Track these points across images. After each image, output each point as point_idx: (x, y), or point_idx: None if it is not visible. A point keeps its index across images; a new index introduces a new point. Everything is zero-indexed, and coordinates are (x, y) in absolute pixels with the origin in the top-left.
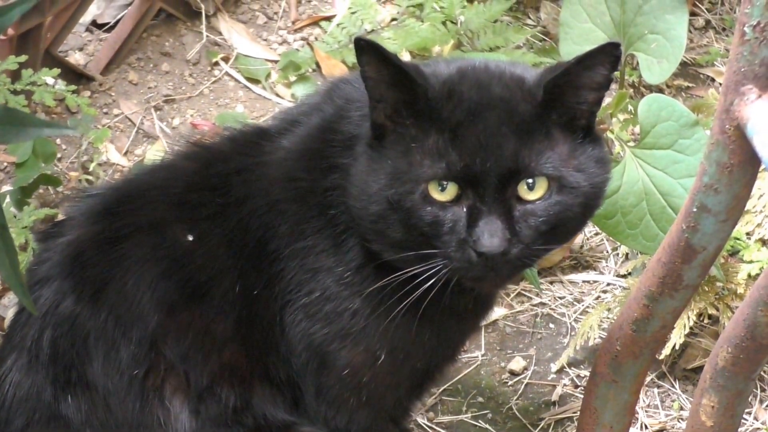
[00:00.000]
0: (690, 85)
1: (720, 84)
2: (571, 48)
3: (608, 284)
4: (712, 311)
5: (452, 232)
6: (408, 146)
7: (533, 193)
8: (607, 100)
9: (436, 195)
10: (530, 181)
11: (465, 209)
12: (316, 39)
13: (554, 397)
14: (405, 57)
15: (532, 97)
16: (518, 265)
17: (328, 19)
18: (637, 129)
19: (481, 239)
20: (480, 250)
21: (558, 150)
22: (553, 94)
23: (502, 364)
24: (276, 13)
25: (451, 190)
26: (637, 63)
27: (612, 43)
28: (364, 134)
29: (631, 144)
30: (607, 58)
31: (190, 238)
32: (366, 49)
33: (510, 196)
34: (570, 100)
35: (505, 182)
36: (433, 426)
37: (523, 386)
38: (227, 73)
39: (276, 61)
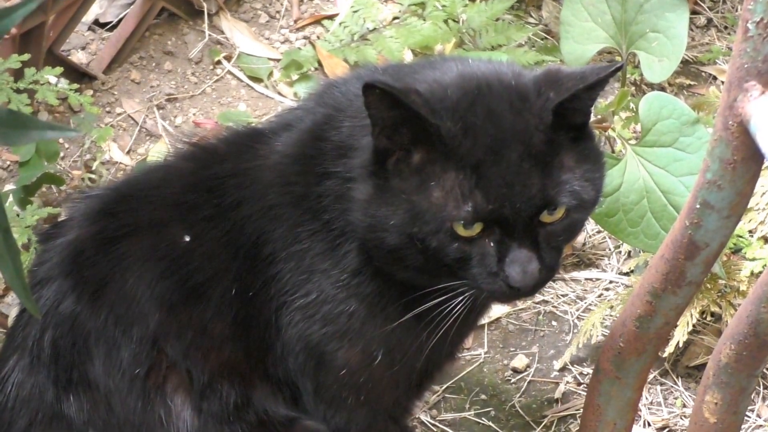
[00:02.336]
0: (692, 83)
1: (722, 82)
2: (573, 47)
3: (611, 282)
4: (714, 309)
5: (481, 265)
6: (424, 182)
7: (554, 215)
8: (609, 98)
9: (462, 232)
10: (553, 208)
11: (493, 243)
12: (318, 38)
13: (557, 395)
14: (407, 55)
15: (543, 124)
16: (543, 285)
17: (331, 17)
18: (638, 127)
19: (514, 275)
20: (515, 286)
21: (568, 164)
22: (560, 115)
23: (505, 362)
24: (278, 11)
25: (477, 228)
26: (639, 61)
27: (620, 66)
28: (359, 152)
29: (633, 142)
30: (613, 76)
31: (187, 238)
32: (377, 93)
33: (535, 225)
34: (575, 117)
35: (533, 217)
36: (437, 423)
37: (525, 384)
38: (229, 72)
39: (278, 60)
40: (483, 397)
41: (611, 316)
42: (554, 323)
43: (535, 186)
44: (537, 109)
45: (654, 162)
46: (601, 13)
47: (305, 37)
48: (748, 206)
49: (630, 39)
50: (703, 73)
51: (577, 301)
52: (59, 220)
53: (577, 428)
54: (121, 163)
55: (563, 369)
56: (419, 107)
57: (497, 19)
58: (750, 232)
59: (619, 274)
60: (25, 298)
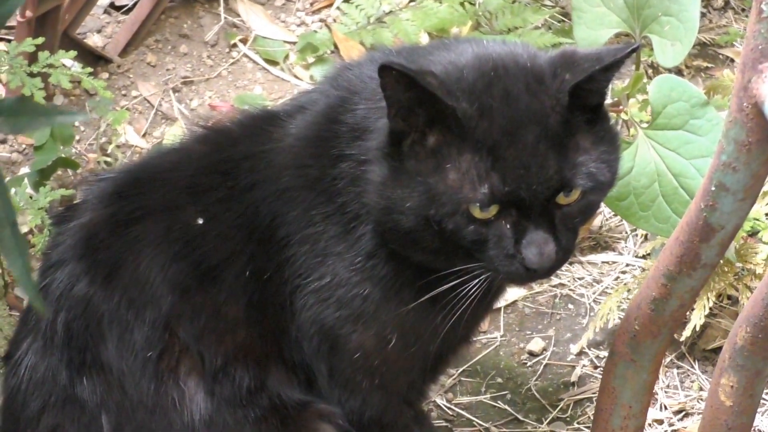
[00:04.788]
0: (709, 65)
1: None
2: (586, 33)
3: (627, 265)
4: (731, 292)
5: (498, 247)
6: (440, 164)
7: (570, 197)
8: (626, 80)
9: (478, 214)
10: (569, 190)
11: (509, 225)
12: (334, 20)
13: (573, 378)
14: (423, 38)
15: (559, 105)
16: (559, 266)
17: (347, 0)
18: None
19: (531, 257)
20: (532, 267)
21: (584, 146)
22: (577, 96)
23: (521, 345)
24: None
25: (493, 210)
26: None
27: (636, 47)
28: (374, 134)
29: (645, 125)
30: (629, 57)
31: (201, 221)
32: (393, 74)
33: (551, 206)
34: (591, 99)
35: (549, 199)
36: (452, 407)
37: (542, 367)
38: (245, 55)
39: (294, 43)
40: (499, 380)
41: (628, 299)
42: (571, 306)
43: (551, 168)
44: (553, 90)
45: (665, 145)
46: None
47: (321, 20)
48: (765, 189)
49: (643, 23)
50: (720, 56)
51: (594, 284)
52: (74, 202)
53: (593, 412)
54: (136, 146)
55: (580, 353)
56: (435, 88)
57: (514, 1)
58: (766, 215)
59: (636, 257)
60: (34, 296)
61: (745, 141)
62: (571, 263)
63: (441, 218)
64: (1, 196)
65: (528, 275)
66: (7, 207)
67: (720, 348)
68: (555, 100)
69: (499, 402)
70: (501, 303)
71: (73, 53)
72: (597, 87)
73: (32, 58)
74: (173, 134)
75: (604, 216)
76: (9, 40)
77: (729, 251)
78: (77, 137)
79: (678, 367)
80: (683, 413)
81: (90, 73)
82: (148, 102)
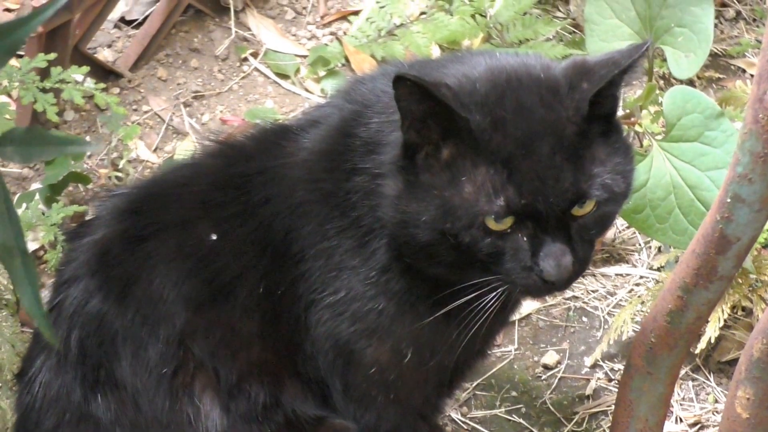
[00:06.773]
0: (721, 76)
1: (751, 75)
2: (598, 45)
3: (641, 277)
4: (746, 303)
5: (515, 260)
6: (455, 177)
7: (584, 209)
8: (638, 92)
9: (493, 226)
10: (583, 201)
11: (526, 238)
12: (344, 34)
13: (588, 391)
14: (435, 51)
15: (578, 115)
16: (576, 278)
17: (357, 13)
18: None
19: (548, 269)
20: (549, 280)
21: (599, 157)
22: (594, 104)
23: (536, 358)
24: (305, 8)
25: (508, 221)
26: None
27: (647, 44)
28: (388, 148)
29: (660, 137)
30: (644, 57)
31: (214, 237)
32: (408, 85)
33: (567, 218)
34: (607, 105)
35: (566, 210)
36: (467, 421)
37: (556, 380)
38: (256, 69)
39: (305, 56)
40: (514, 394)
41: (642, 311)
42: (585, 319)
43: (567, 179)
44: (571, 100)
45: (680, 157)
46: (624, 10)
47: (332, 33)
48: None
49: (656, 34)
50: (732, 66)
51: (608, 296)
52: (86, 218)
53: (609, 425)
54: (147, 161)
55: (594, 365)
56: (449, 100)
57: (525, 13)
58: None
59: (650, 269)
60: (43, 325)
61: (760, 152)
62: (584, 276)
63: (457, 231)
64: (12, 224)
65: (546, 287)
66: (17, 236)
67: (735, 360)
68: (573, 110)
69: (513, 416)
70: (515, 316)
71: (85, 69)
72: (613, 92)
73: (44, 73)
74: (184, 149)
75: (617, 228)
76: (20, 55)
77: (747, 261)
78: (88, 152)
79: (693, 380)
80: (699, 426)
81: (102, 90)
82: (159, 117)
